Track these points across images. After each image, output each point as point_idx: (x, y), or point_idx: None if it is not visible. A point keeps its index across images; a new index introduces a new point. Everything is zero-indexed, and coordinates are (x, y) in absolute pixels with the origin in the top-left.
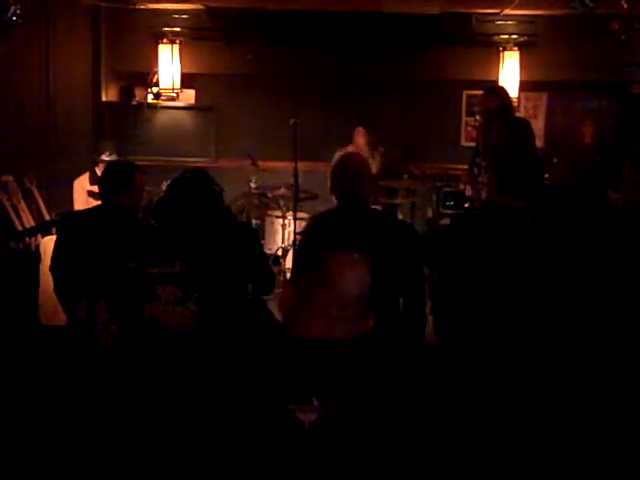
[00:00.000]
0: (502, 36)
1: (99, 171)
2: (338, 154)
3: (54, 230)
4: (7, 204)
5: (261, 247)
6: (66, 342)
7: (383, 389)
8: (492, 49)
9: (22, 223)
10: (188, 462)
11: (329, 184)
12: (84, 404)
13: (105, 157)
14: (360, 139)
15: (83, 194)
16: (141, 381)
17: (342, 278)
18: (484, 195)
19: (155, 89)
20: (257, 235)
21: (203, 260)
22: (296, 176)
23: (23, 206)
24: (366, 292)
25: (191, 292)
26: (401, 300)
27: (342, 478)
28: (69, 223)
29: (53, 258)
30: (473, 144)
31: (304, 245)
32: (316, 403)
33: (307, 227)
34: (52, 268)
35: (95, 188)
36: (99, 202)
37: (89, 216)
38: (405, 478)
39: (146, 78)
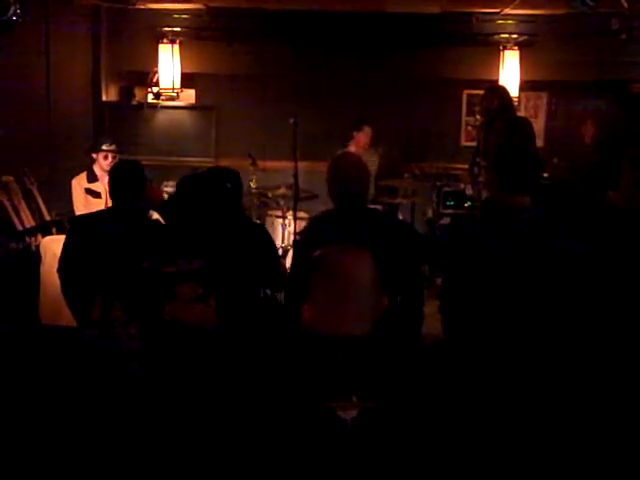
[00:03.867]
0: (502, 35)
1: (97, 169)
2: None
3: (54, 230)
4: (7, 204)
5: (274, 247)
6: (82, 346)
7: (402, 382)
8: (492, 48)
9: (22, 223)
10: (235, 460)
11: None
12: (105, 407)
13: (105, 147)
14: (366, 138)
15: (81, 192)
16: (168, 381)
17: (357, 274)
18: (484, 195)
19: (155, 89)
20: (270, 236)
21: (219, 256)
22: (296, 176)
23: (23, 206)
24: (377, 278)
25: (210, 288)
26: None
27: (388, 472)
28: (80, 226)
29: (62, 260)
30: (473, 144)
31: (310, 249)
32: (355, 400)
33: (308, 229)
34: (61, 270)
35: (93, 186)
36: (97, 200)
37: (100, 218)
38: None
39: (146, 78)
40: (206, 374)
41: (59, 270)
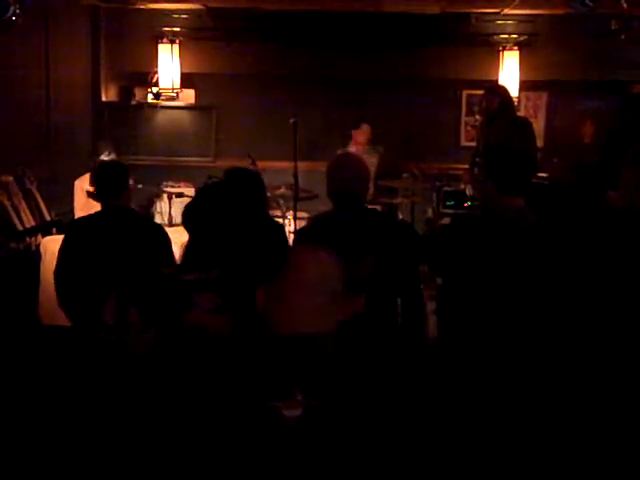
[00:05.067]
0: (502, 36)
1: None
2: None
3: (54, 230)
4: (7, 204)
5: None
6: (97, 350)
7: (364, 382)
8: (492, 49)
9: (22, 223)
10: (177, 462)
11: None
12: (116, 411)
13: (104, 157)
14: (364, 136)
15: (82, 195)
16: (181, 388)
17: (305, 273)
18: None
19: (155, 89)
20: (286, 238)
21: (239, 266)
22: (296, 176)
23: (23, 206)
24: (336, 286)
25: (229, 299)
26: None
27: (330, 472)
28: (76, 230)
29: (59, 265)
30: (473, 144)
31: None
32: (300, 398)
33: (307, 231)
34: (57, 275)
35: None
36: (99, 203)
37: (97, 221)
38: (390, 471)
39: (146, 78)
40: (219, 382)
41: (55, 274)
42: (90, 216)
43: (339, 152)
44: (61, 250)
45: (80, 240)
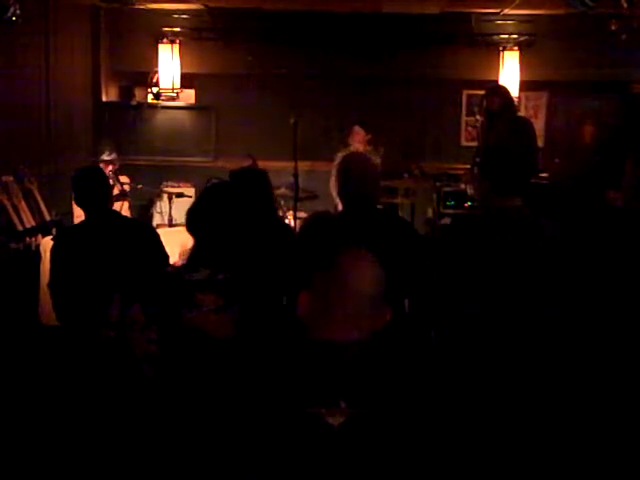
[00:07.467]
0: (502, 36)
1: None
2: (341, 155)
3: (54, 230)
4: (7, 204)
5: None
6: (98, 347)
7: (401, 388)
8: (492, 49)
9: (22, 223)
10: (216, 467)
11: (335, 187)
12: (114, 409)
13: (105, 157)
14: (359, 138)
15: None
16: (179, 386)
17: (358, 281)
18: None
19: (155, 89)
20: (294, 237)
21: (244, 268)
22: (296, 176)
23: (23, 206)
24: (382, 289)
25: (232, 300)
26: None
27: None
28: (63, 241)
29: (52, 276)
30: (473, 144)
31: (315, 248)
32: (344, 406)
33: (309, 228)
34: (51, 285)
35: None
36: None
37: (83, 230)
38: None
39: (146, 78)
40: (219, 383)
41: (49, 285)
42: (75, 226)
43: (350, 152)
44: (51, 260)
45: (69, 251)
